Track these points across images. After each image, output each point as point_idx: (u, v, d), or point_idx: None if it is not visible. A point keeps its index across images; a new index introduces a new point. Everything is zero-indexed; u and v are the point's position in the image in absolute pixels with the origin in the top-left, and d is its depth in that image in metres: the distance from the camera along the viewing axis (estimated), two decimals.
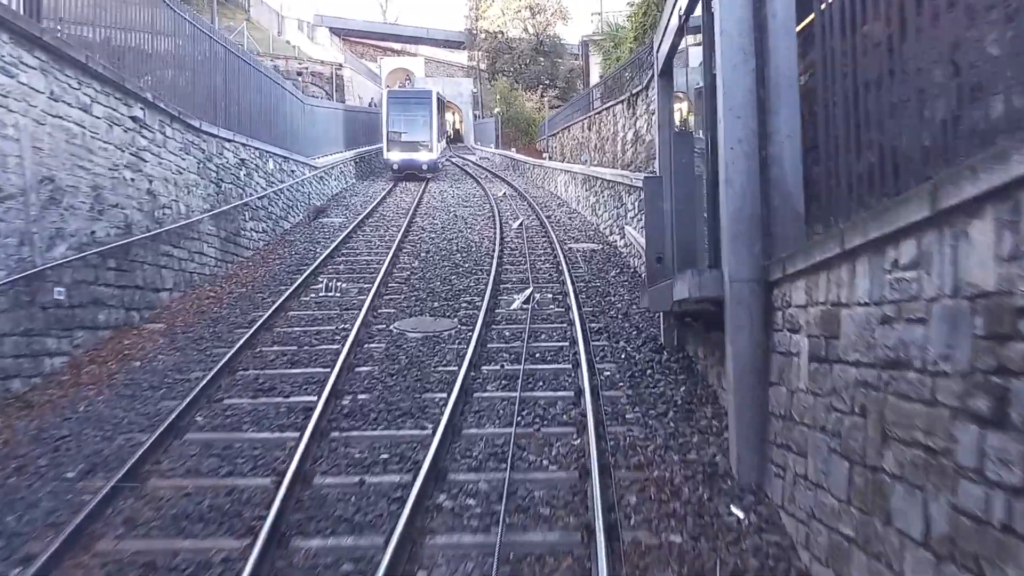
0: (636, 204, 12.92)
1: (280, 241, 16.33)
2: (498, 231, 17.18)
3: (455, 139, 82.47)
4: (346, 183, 25.94)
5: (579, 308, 10.23)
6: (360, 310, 10.21)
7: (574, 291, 11.04)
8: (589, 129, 22.88)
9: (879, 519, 3.17)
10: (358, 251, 15.30)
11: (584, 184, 19.65)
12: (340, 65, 54.12)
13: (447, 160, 43.76)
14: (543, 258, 14.52)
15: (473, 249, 15.51)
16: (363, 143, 31.99)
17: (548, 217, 20.02)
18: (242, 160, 14.65)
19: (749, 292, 5.06)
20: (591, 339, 9.04)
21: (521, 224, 18.80)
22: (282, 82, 21.50)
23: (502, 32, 73.16)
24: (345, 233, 16.61)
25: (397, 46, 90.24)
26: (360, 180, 28.28)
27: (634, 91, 16.73)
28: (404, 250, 15.35)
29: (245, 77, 16.65)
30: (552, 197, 25.10)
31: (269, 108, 19.48)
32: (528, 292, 11.26)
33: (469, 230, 18.11)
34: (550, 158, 31.11)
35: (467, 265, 13.89)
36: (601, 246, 15.48)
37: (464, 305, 10.97)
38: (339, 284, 11.90)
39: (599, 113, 21.89)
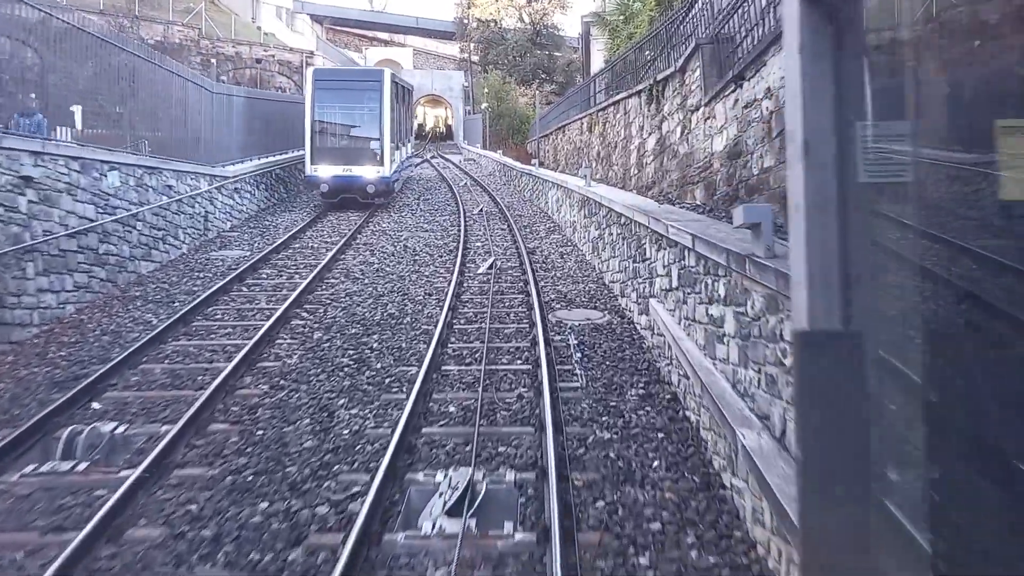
0: (673, 266, 7.20)
1: (114, 301, 10.61)
2: (452, 281, 11.53)
3: (444, 136, 77.35)
4: (252, 205, 18.47)
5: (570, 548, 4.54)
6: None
7: (558, 468, 5.32)
8: (590, 130, 17.18)
9: None
10: (211, 331, 9.50)
11: (582, 208, 14.02)
12: (311, 53, 48.35)
13: (417, 168, 38.18)
14: (513, 347, 8.80)
15: (404, 326, 9.82)
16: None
17: (532, 252, 14.39)
18: (25, 179, 8.96)
19: None
20: None
21: (493, 266, 13.15)
22: (175, 68, 15.82)
23: (495, 21, 67.56)
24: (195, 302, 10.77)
25: (385, 36, 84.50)
26: (279, 201, 21.14)
27: (660, 76, 11.05)
28: (297, 322, 9.70)
29: (78, 50, 11.06)
30: (541, 217, 19.47)
31: (146, 98, 13.84)
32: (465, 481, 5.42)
33: (414, 279, 12.44)
34: (541, 164, 25.42)
35: (384, 365, 8.20)
36: (607, 317, 9.79)
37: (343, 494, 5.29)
38: (109, 433, 6.18)
39: (603, 110, 16.23)
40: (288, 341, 8.83)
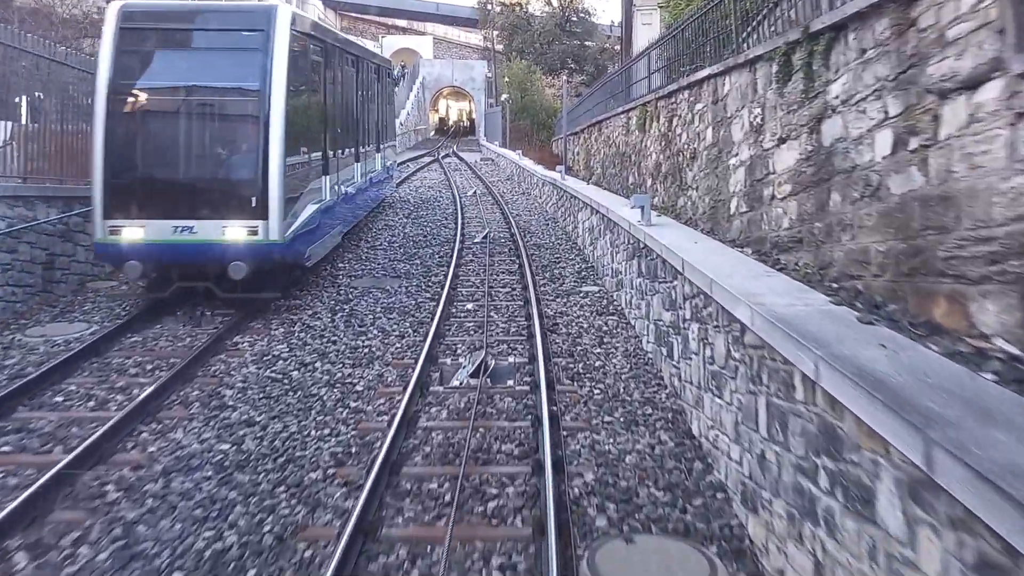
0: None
1: None
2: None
3: (467, 131, 71.82)
4: None
5: None
6: None
7: None
8: (642, 129, 11.40)
9: None
10: None
11: (637, 260, 8.39)
12: None
13: (421, 172, 32.61)
14: None
15: None
16: None
17: (552, 329, 8.73)
18: None
19: None
20: None
21: (483, 369, 7.55)
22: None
23: (520, 5, 61.83)
24: None
25: (403, 23, 79.26)
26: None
27: (819, 26, 5.25)
28: None
29: None
30: (567, 248, 13.82)
31: None
32: None
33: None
34: (569, 169, 19.71)
35: None
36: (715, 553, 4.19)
37: None
38: None
39: (668, 98, 10.42)
40: None
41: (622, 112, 13.19)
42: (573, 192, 14.80)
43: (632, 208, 8.32)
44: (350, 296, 10.47)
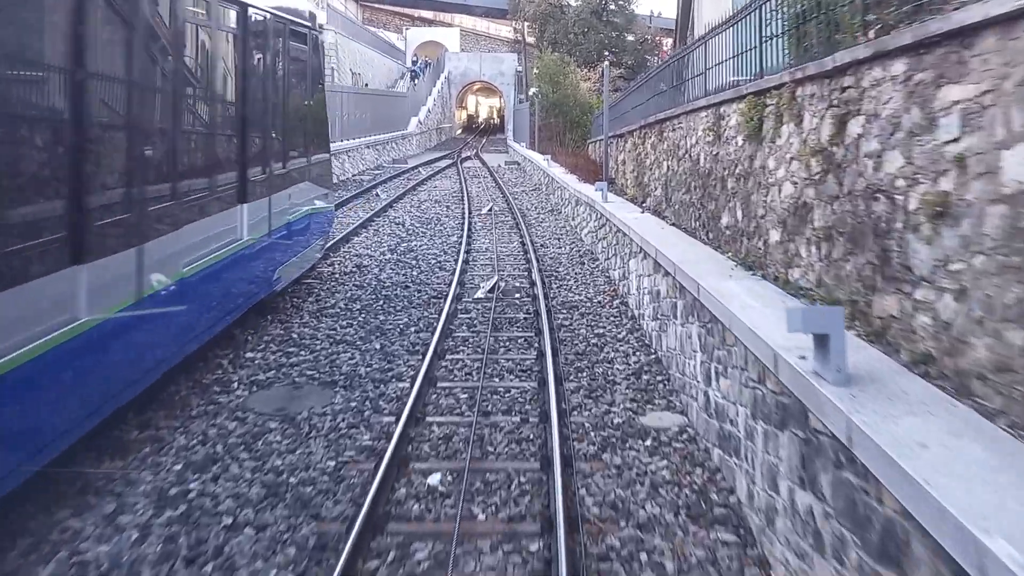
0: None
1: None
2: None
3: (497, 128, 67.09)
4: None
5: None
6: None
7: None
8: (755, 136, 6.44)
9: None
10: None
11: (822, 465, 3.49)
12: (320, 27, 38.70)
13: (433, 179, 27.63)
14: None
15: None
16: None
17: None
18: None
19: None
20: None
21: None
22: None
23: None
24: None
25: (428, 15, 74.61)
26: None
27: None
28: None
29: None
30: (619, 327, 8.99)
31: None
32: None
33: None
34: (611, 183, 14.83)
35: None
36: None
37: None
38: None
39: (825, 85, 5.55)
40: None
41: (704, 108, 8.32)
42: (621, 226, 9.94)
43: (793, 330, 3.42)
44: (222, 432, 5.75)
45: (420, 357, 7.47)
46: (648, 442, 5.66)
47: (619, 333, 8.45)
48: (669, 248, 7.41)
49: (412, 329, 8.61)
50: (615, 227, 10.65)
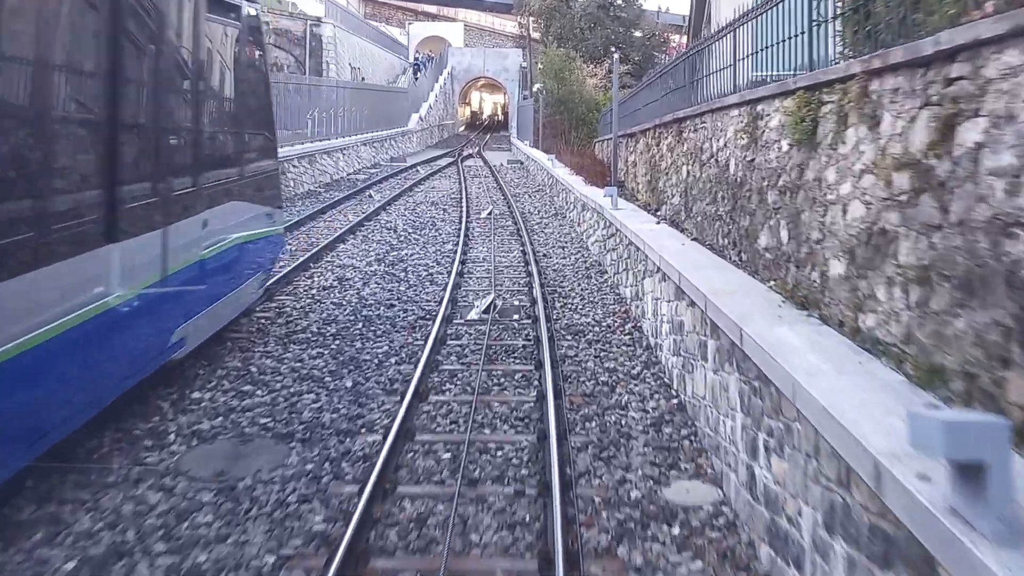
0: None
1: None
2: None
3: (501, 125, 65.80)
4: None
5: None
6: None
7: None
8: (807, 141, 5.24)
9: None
10: None
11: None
12: (318, 20, 37.48)
13: (429, 180, 26.36)
14: None
15: None
16: None
17: None
18: None
19: None
20: None
21: None
22: None
23: None
24: None
25: (432, 9, 73.23)
26: None
27: None
28: None
29: None
30: (633, 360, 7.79)
31: None
32: None
33: None
34: (621, 186, 13.64)
35: None
36: None
37: None
38: None
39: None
40: None
41: (736, 107, 7.10)
42: (634, 239, 8.74)
43: (924, 448, 2.24)
44: (140, 509, 4.57)
45: (398, 399, 6.29)
46: (676, 529, 4.47)
47: (633, 368, 7.25)
48: (695, 272, 6.21)
49: (392, 360, 7.43)
50: (627, 239, 9.45)
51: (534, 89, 34.95)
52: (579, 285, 10.73)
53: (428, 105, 46.03)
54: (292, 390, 6.56)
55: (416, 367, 6.94)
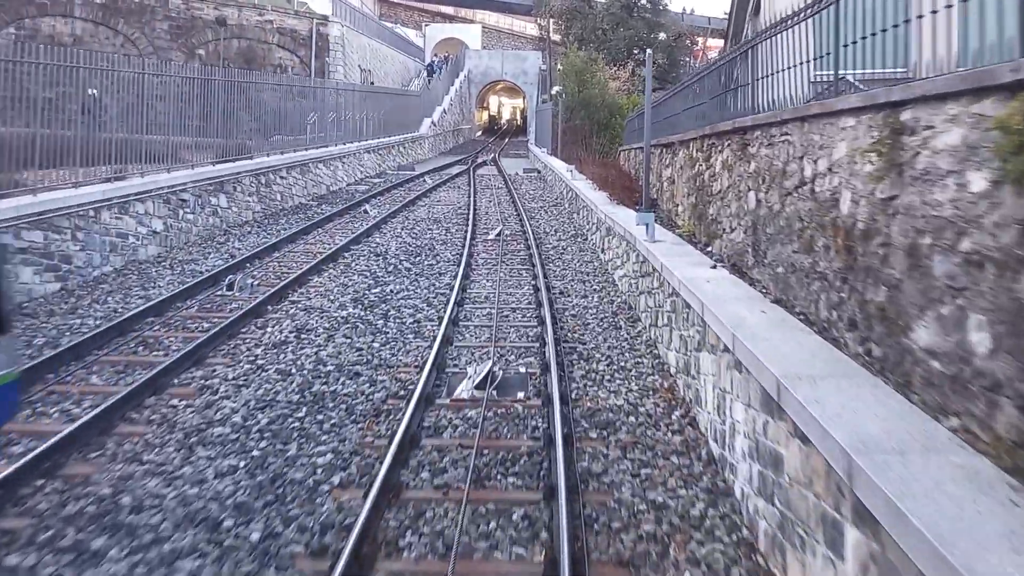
0: None
1: None
2: None
3: (520, 130, 63.30)
4: None
5: None
6: None
7: None
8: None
9: None
10: None
11: None
12: (324, 19, 35.33)
13: (433, 193, 23.84)
14: None
15: None
16: None
17: None
18: None
19: None
20: None
21: None
22: None
23: None
24: None
25: (449, 10, 71.04)
26: None
27: None
28: None
29: None
30: (687, 476, 5.38)
31: None
32: None
33: None
34: (654, 205, 11.21)
35: None
36: None
37: None
38: None
39: None
40: None
41: (856, 112, 4.65)
42: (683, 291, 6.30)
43: None
44: None
45: (325, 570, 3.94)
46: None
47: (692, 503, 4.83)
48: (800, 383, 3.79)
49: (336, 479, 5.08)
50: (670, 286, 7.03)
51: (553, 92, 32.55)
52: (605, 340, 8.32)
53: (442, 109, 43.81)
54: (168, 548, 4.22)
55: (367, 499, 4.59)
